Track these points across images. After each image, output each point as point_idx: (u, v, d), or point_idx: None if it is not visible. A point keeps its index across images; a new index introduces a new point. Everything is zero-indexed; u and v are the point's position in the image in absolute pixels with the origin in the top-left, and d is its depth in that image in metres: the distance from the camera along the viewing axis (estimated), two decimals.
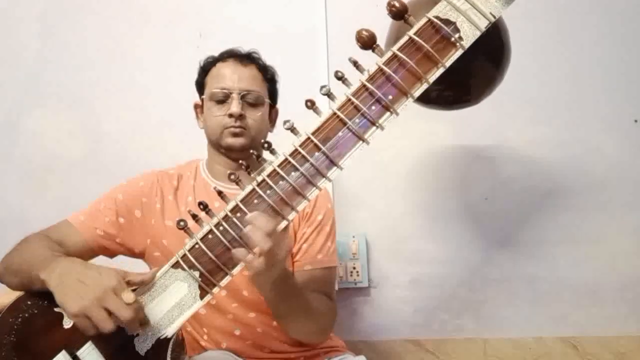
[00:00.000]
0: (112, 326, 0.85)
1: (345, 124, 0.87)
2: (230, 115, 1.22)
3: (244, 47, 1.32)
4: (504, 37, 1.15)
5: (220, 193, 0.91)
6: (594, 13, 1.69)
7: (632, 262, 1.67)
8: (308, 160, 0.88)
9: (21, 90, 1.79)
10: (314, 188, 0.89)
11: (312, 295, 1.18)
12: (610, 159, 1.68)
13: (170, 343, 0.93)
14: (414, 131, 1.70)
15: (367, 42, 0.87)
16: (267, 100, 1.29)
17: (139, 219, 1.23)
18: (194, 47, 1.76)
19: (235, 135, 1.23)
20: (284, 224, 0.88)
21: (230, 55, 1.29)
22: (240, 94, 1.24)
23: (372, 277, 1.70)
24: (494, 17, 0.87)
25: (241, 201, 0.89)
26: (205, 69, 1.31)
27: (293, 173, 0.88)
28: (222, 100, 1.25)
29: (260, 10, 1.76)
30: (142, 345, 0.92)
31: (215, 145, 1.28)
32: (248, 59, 1.29)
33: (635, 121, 1.69)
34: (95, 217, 1.20)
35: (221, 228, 0.89)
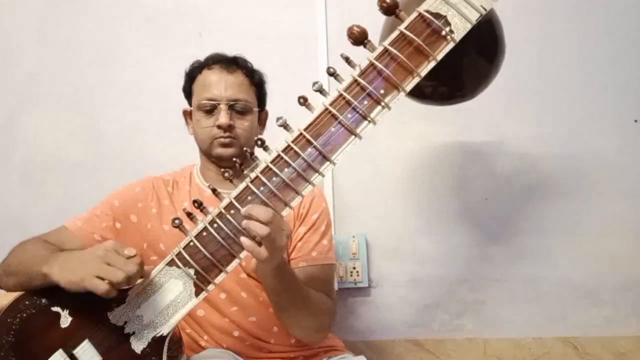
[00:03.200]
0: (123, 275, 0.87)
1: (337, 118, 0.88)
2: (219, 127, 1.23)
3: (232, 51, 1.32)
4: (498, 31, 1.14)
5: (214, 190, 0.93)
6: (595, 12, 1.69)
7: (632, 262, 1.67)
8: (300, 156, 0.89)
9: (21, 90, 1.79)
10: (308, 184, 0.90)
11: (311, 290, 1.18)
12: (610, 159, 1.68)
13: (167, 341, 0.95)
14: (414, 131, 1.70)
15: (359, 37, 0.87)
16: (255, 109, 1.29)
17: (135, 223, 1.25)
18: (194, 47, 1.75)
19: (224, 145, 1.24)
20: (285, 211, 0.90)
21: (216, 61, 1.28)
22: (228, 104, 1.24)
23: (372, 277, 1.70)
24: (485, 9, 0.87)
25: (235, 198, 0.90)
26: (191, 76, 1.31)
27: (286, 169, 0.89)
28: (210, 110, 1.25)
29: (260, 10, 1.75)
30: (138, 344, 0.93)
31: (206, 154, 1.30)
32: (234, 64, 1.28)
33: (635, 121, 1.69)
34: (93, 222, 1.21)
35: (215, 225, 0.91)
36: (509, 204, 1.70)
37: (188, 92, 1.33)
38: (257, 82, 1.31)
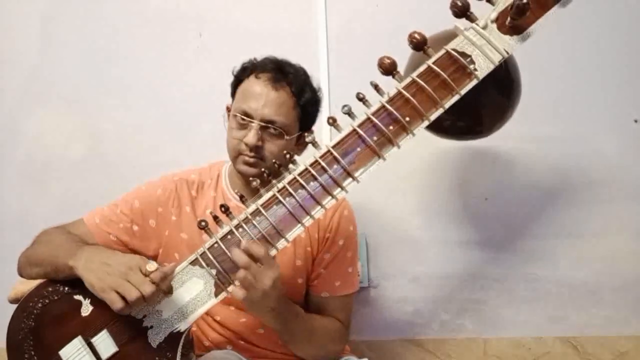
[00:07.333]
0: (138, 294, 0.90)
1: (363, 140, 0.94)
2: (246, 144, 1.15)
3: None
4: (514, 74, 1.21)
5: (242, 197, 0.97)
6: (595, 13, 1.69)
7: (632, 262, 1.67)
8: (327, 172, 0.94)
9: (21, 91, 1.79)
10: (331, 198, 0.95)
11: (320, 320, 1.18)
12: (610, 159, 1.68)
13: (182, 337, 0.97)
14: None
15: (389, 68, 0.94)
16: (288, 137, 1.17)
17: (153, 228, 1.22)
18: (194, 47, 1.76)
19: (248, 164, 1.16)
20: (308, 221, 0.94)
21: (266, 69, 1.19)
22: (261, 124, 1.15)
23: (372, 277, 1.70)
24: (507, 53, 0.95)
25: (261, 205, 0.95)
26: (239, 78, 1.22)
27: (312, 182, 0.95)
28: (243, 124, 1.17)
29: (260, 10, 1.75)
30: (155, 337, 0.97)
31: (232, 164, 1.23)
32: (283, 79, 1.17)
33: (635, 121, 1.69)
34: (110, 221, 1.19)
35: (240, 230, 0.95)
36: (509, 204, 1.70)
37: (233, 90, 1.24)
38: (303, 103, 1.19)
